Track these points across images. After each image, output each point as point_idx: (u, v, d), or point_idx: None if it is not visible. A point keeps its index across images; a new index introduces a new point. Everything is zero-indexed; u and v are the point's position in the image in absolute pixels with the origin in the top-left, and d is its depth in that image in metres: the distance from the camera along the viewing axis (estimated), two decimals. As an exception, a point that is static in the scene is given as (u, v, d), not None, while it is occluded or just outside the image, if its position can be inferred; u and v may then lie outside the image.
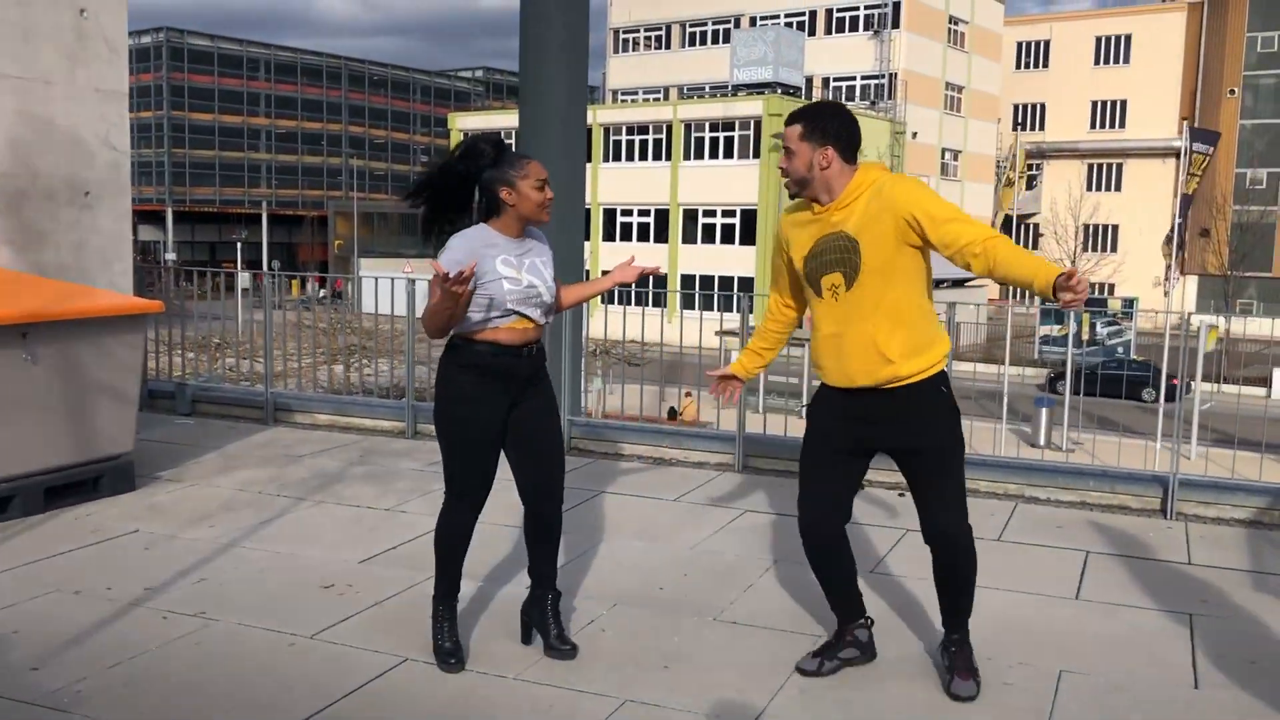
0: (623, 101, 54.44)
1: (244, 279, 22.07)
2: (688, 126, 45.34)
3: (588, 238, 45.59)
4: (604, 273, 4.07)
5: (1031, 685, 3.77)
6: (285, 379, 9.85)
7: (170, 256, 59.99)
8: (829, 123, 3.48)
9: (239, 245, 61.65)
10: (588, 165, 47.52)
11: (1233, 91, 55.53)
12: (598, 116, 47.23)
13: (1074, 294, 3.04)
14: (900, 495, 6.22)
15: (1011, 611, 4.48)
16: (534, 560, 4.06)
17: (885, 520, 5.74)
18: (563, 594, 4.11)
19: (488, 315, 3.68)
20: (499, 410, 3.80)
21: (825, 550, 3.81)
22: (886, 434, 3.60)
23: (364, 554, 5.10)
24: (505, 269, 3.67)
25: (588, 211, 45.05)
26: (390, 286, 8.32)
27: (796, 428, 7.52)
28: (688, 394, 20.62)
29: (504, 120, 51.21)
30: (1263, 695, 3.71)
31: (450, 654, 3.88)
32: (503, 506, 4.39)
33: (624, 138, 46.50)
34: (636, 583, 4.75)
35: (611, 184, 46.31)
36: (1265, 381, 30.26)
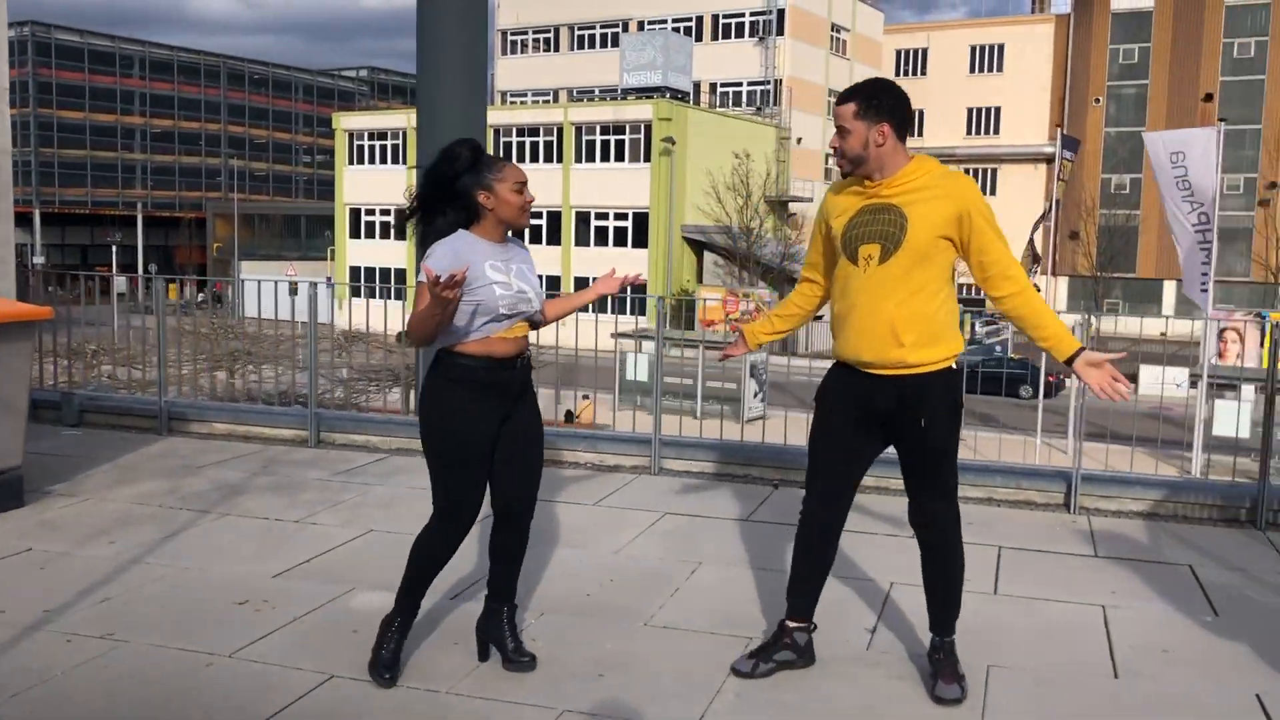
0: (512, 103, 54.16)
1: (120, 283, 21.27)
2: (578, 129, 45.29)
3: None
4: (576, 284, 4.01)
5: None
6: (172, 386, 9.49)
7: (39, 260, 57.45)
8: (884, 99, 3.49)
9: (113, 248, 59.40)
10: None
11: (1098, 100, 57.84)
12: (487, 118, 46.85)
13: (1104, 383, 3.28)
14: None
15: (934, 608, 4.54)
16: (496, 574, 3.95)
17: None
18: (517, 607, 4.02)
19: (475, 323, 3.56)
20: (493, 425, 3.69)
21: (819, 537, 3.80)
22: (889, 422, 3.61)
23: (277, 568, 4.92)
24: (494, 274, 3.57)
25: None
26: (274, 290, 8.09)
27: (711, 430, 7.57)
28: (585, 397, 20.57)
29: (391, 121, 50.53)
30: (1179, 683, 3.84)
31: (388, 667, 3.76)
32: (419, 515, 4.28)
33: (514, 139, 46.21)
34: (563, 590, 4.69)
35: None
36: (1133, 378, 31.55)
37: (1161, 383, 25.61)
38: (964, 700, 3.63)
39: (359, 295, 32.06)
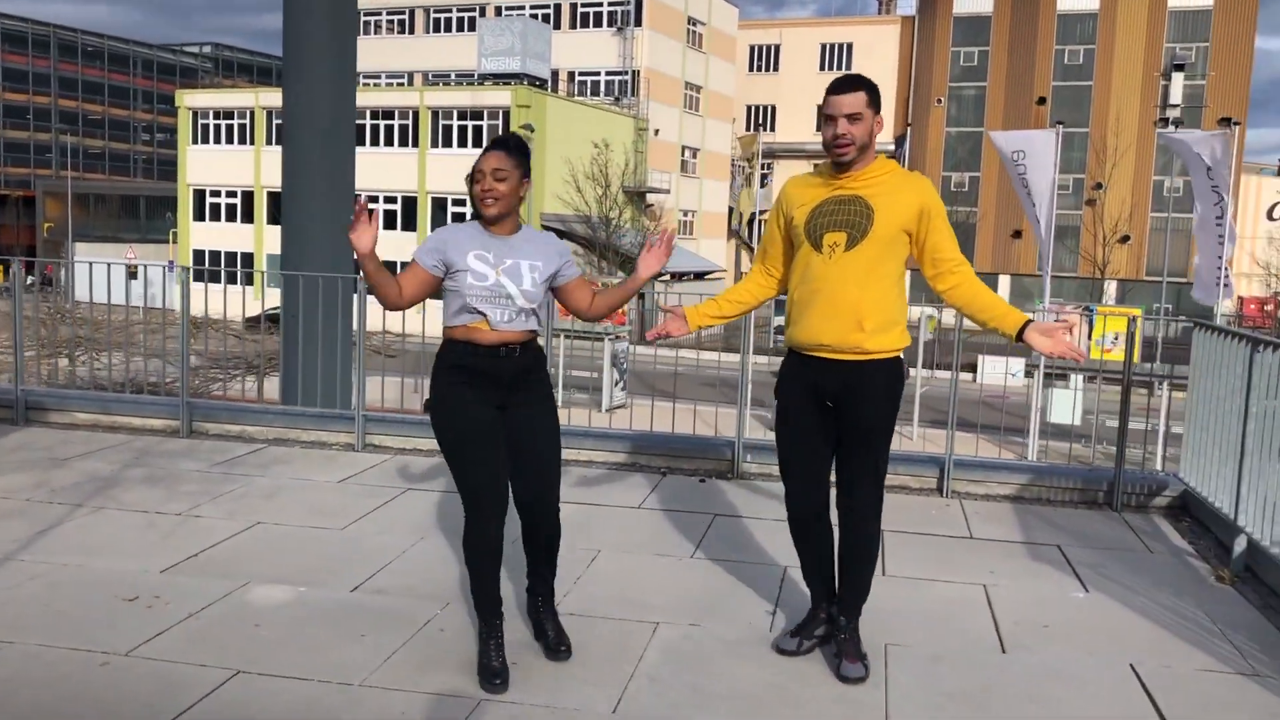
0: (365, 85, 52.86)
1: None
2: (435, 114, 44.62)
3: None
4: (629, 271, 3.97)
5: (862, 659, 3.99)
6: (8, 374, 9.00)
7: None
8: (879, 94, 3.60)
9: (-70, 227, 55.73)
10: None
11: (940, 101, 60.08)
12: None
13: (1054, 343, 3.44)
14: (701, 481, 6.41)
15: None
16: (529, 572, 3.95)
17: (697, 506, 5.90)
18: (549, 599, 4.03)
19: (453, 308, 3.63)
20: (483, 410, 3.65)
21: (808, 526, 3.92)
22: (836, 404, 3.70)
23: (164, 563, 4.76)
24: (477, 263, 3.58)
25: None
26: (106, 272, 7.76)
27: (579, 419, 7.61)
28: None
29: (237, 100, 48.79)
30: (1061, 656, 4.09)
31: (495, 674, 3.67)
32: (305, 506, 4.22)
33: (368, 123, 45.18)
34: (458, 579, 4.67)
35: (357, 170, 44.98)
36: (973, 368, 33.14)
37: (1006, 373, 26.81)
38: (868, 678, 3.78)
39: (203, 280, 30.89)
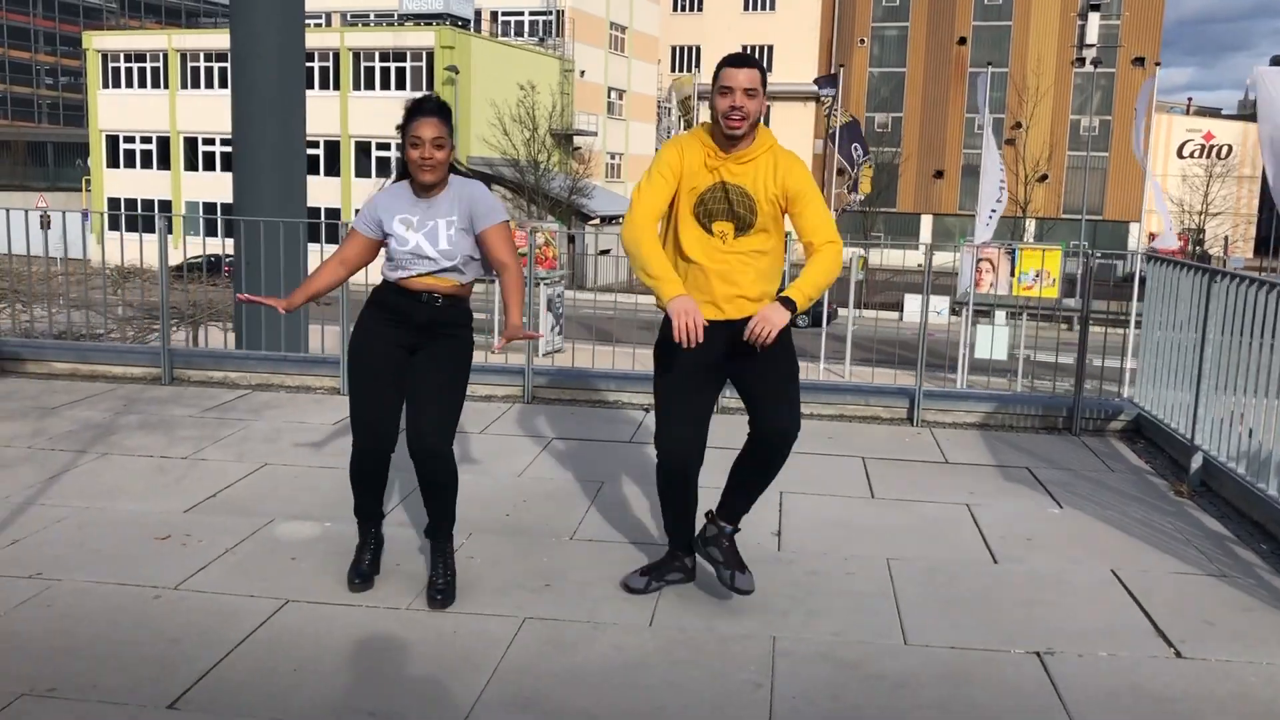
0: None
1: None
2: (356, 55, 43.77)
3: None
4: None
5: (869, 572, 4.31)
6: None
7: None
8: (766, 79, 3.75)
9: None
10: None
11: (863, 41, 60.47)
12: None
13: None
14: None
15: (824, 512, 5.02)
16: (428, 512, 4.05)
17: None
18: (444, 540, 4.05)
19: (388, 264, 3.86)
20: (387, 349, 3.84)
21: (683, 477, 3.97)
22: (744, 357, 3.81)
23: (184, 504, 4.89)
24: (400, 228, 3.79)
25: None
26: (6, 220, 7.66)
27: (583, 358, 7.77)
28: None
29: (149, 41, 47.34)
30: (1048, 565, 4.44)
31: (358, 574, 4.00)
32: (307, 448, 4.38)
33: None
34: (480, 512, 4.88)
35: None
36: (899, 306, 34.01)
37: (925, 310, 27.43)
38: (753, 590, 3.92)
39: (119, 228, 30.16)
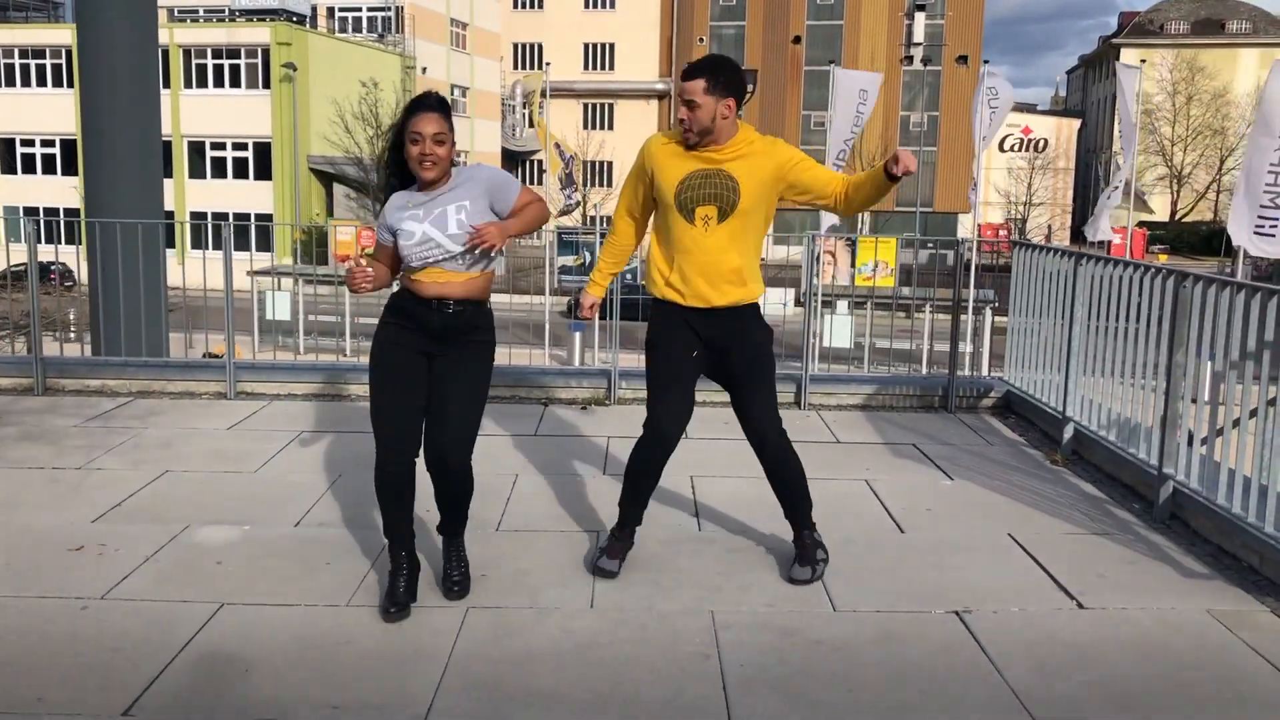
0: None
1: None
2: (186, 52, 42.12)
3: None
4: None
5: (787, 548, 4.46)
6: None
7: None
8: (728, 76, 3.86)
9: None
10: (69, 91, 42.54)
11: (701, 40, 61.48)
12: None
13: (902, 164, 3.72)
14: (583, 409, 6.77)
15: (733, 493, 5.21)
16: (441, 514, 4.04)
17: (590, 431, 6.27)
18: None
19: (404, 267, 3.80)
20: (405, 355, 3.79)
21: (660, 461, 4.21)
22: (725, 347, 4.06)
23: (90, 514, 4.74)
24: (409, 223, 3.71)
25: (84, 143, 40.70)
26: None
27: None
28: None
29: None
30: (951, 531, 4.74)
31: (394, 603, 3.80)
32: (206, 453, 4.36)
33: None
34: (400, 508, 4.88)
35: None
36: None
37: (784, 304, 28.17)
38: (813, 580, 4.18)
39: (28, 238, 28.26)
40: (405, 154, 3.70)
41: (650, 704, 3.24)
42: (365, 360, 7.41)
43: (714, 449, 5.96)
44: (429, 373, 3.83)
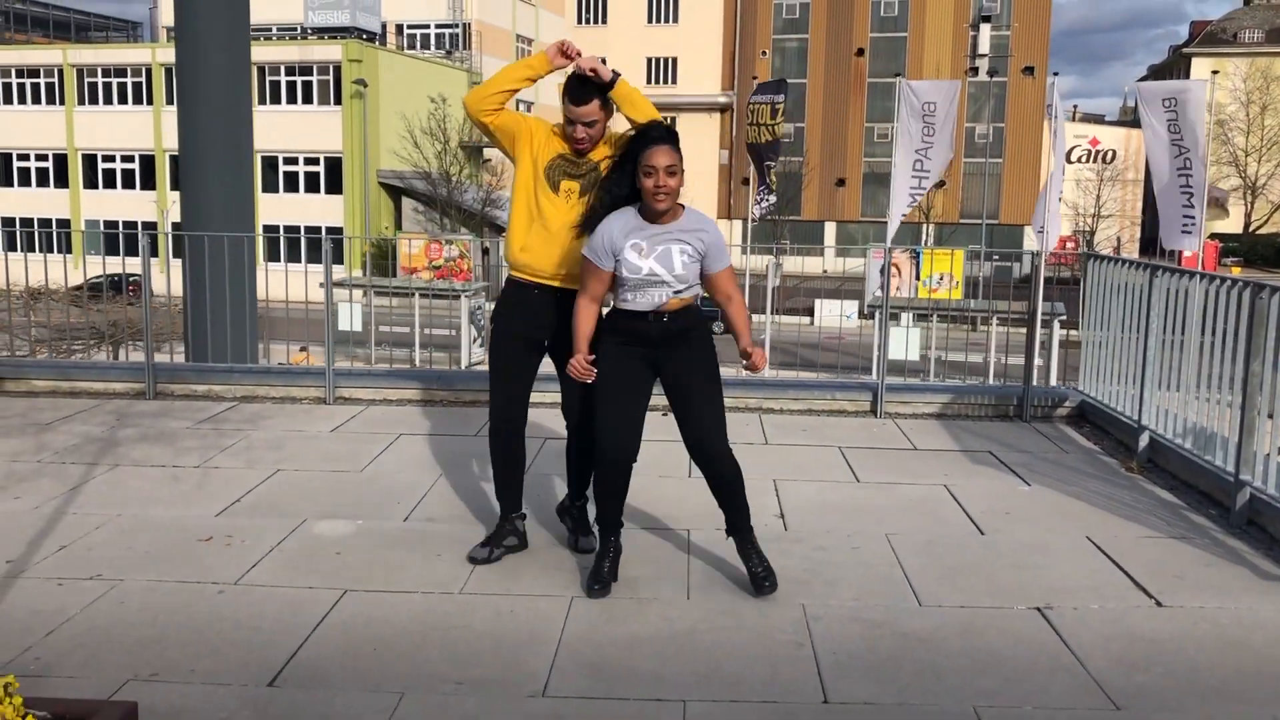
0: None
1: None
2: (261, 70, 43.20)
3: (173, 187, 42.71)
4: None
5: (872, 546, 4.72)
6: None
7: None
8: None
9: None
10: (149, 110, 43.43)
11: (764, 53, 61.67)
12: (157, 56, 43.88)
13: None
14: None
15: (817, 495, 5.42)
16: (724, 510, 4.27)
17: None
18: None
19: (620, 291, 4.08)
20: (633, 363, 4.10)
21: (516, 440, 4.51)
22: (553, 335, 4.41)
23: (213, 508, 5.08)
24: (631, 254, 3.98)
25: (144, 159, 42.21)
26: None
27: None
28: (302, 349, 20.19)
29: (40, 57, 46.08)
30: (1030, 534, 4.91)
31: (595, 581, 4.17)
32: (316, 454, 4.65)
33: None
34: (491, 506, 5.15)
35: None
36: (811, 311, 34.97)
37: (842, 315, 28.15)
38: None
39: (17, 248, 29.36)
40: (638, 183, 3.94)
41: (750, 684, 3.47)
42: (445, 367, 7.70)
43: (794, 455, 6.17)
44: (662, 381, 4.15)
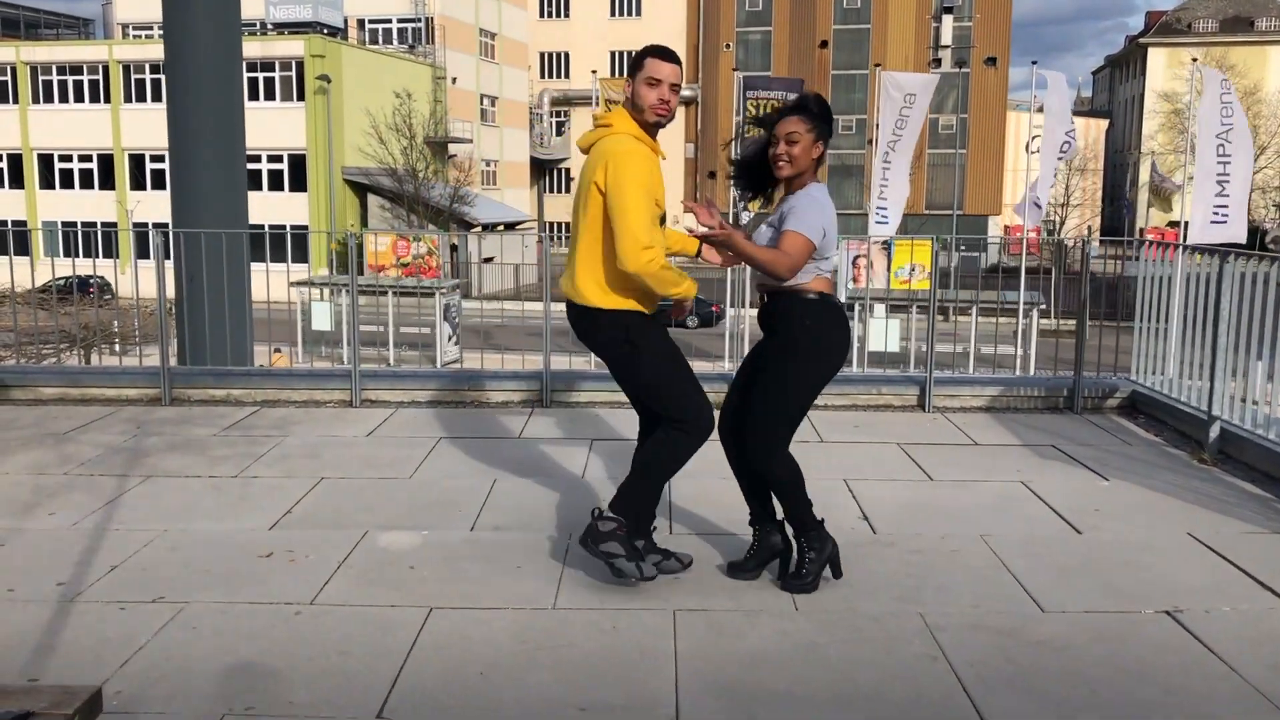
0: (137, 38, 49.61)
1: None
2: (222, 66, 42.37)
3: (134, 186, 41.51)
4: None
5: (970, 549, 4.50)
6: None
7: None
8: None
9: None
10: (106, 108, 42.69)
11: (728, 45, 61.56)
12: (114, 53, 42.94)
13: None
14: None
15: (897, 496, 5.20)
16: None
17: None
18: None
19: None
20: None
21: None
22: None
23: (264, 521, 4.78)
24: (766, 229, 3.97)
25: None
26: None
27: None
28: (276, 350, 19.76)
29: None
30: (1128, 531, 4.71)
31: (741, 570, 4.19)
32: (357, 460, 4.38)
33: (148, 76, 42.56)
34: (555, 511, 4.90)
35: (136, 129, 42.42)
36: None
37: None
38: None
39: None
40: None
41: (896, 702, 3.24)
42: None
43: (854, 452, 5.95)
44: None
